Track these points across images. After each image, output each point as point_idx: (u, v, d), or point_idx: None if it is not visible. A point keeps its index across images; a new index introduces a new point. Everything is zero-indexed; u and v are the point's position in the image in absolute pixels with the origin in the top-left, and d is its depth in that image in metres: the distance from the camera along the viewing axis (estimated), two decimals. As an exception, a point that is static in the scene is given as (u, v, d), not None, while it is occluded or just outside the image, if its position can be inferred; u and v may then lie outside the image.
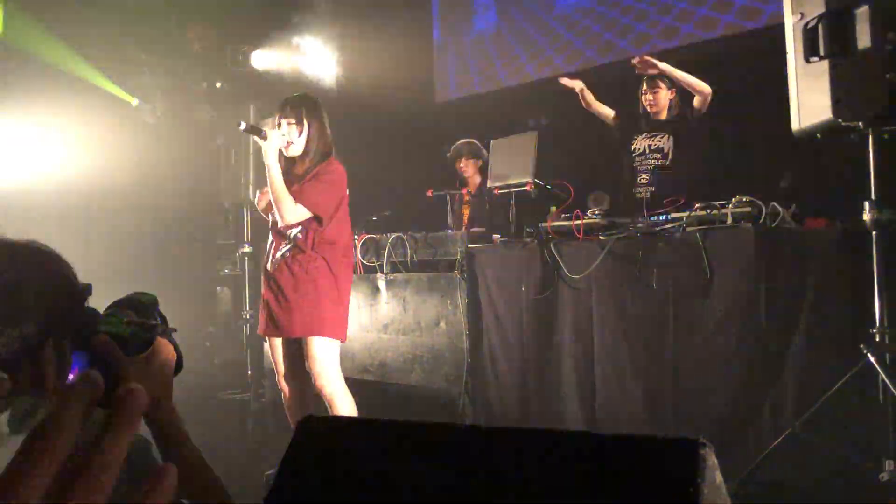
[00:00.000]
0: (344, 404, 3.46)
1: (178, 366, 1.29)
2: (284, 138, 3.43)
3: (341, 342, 3.52)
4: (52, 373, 1.08)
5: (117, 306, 1.30)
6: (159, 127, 7.31)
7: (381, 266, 4.97)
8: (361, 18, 7.54)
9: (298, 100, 3.51)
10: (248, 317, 5.98)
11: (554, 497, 0.80)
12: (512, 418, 4.23)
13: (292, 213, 3.37)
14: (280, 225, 3.43)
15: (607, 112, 4.91)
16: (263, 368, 5.84)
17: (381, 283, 4.97)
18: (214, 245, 7.40)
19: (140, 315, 1.30)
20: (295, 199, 3.37)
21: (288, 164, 3.49)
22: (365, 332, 5.06)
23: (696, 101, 4.59)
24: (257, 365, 5.85)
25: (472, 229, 4.94)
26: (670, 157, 4.64)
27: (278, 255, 3.49)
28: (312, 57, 7.78)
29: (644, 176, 4.68)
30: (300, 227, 3.44)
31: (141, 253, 7.18)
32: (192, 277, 7.45)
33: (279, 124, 3.47)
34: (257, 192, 3.78)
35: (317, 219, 3.41)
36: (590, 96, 4.91)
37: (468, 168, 5.66)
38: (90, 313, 1.18)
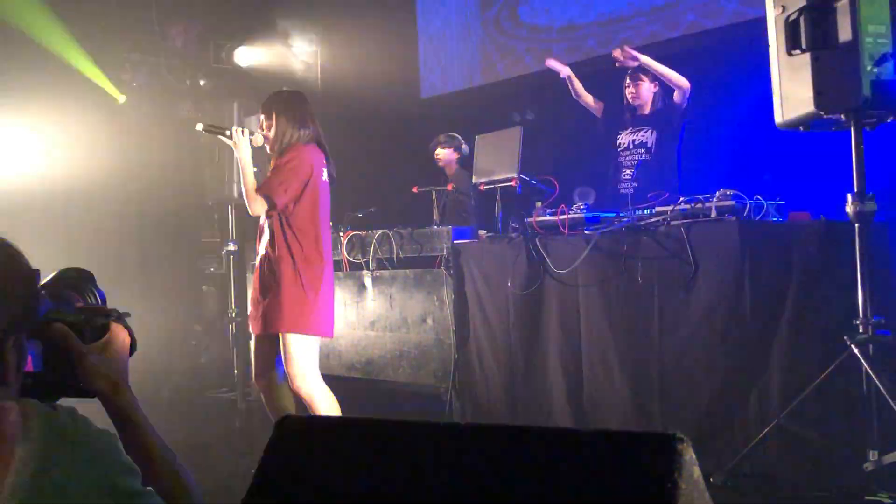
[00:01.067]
0: (323, 403, 3.43)
1: (132, 349, 1.29)
2: (245, 135, 3.54)
3: (327, 337, 3.55)
4: (12, 366, 1.09)
5: (54, 286, 1.31)
6: (142, 124, 7.25)
7: (366, 263, 4.96)
8: (345, 14, 7.51)
9: (270, 96, 3.60)
10: (234, 315, 5.95)
11: (532, 494, 0.80)
12: (499, 413, 4.24)
13: (255, 201, 3.43)
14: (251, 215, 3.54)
15: (593, 102, 4.91)
16: (250, 367, 5.82)
17: (368, 280, 4.96)
18: (199, 243, 7.36)
19: (79, 293, 1.31)
20: (259, 188, 3.45)
21: (269, 159, 3.59)
22: (352, 329, 5.05)
23: (676, 96, 4.61)
24: (244, 363, 5.82)
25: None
26: (654, 151, 4.65)
27: (259, 252, 3.57)
28: (296, 53, 7.75)
29: (628, 171, 4.69)
30: (268, 222, 3.49)
31: (125, 252, 7.13)
32: (177, 276, 7.41)
33: (260, 123, 3.58)
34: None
35: (271, 204, 3.42)
36: (578, 84, 4.91)
37: (443, 156, 5.69)
38: (42, 299, 1.19)
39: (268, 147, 3.54)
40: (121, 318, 1.30)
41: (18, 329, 1.09)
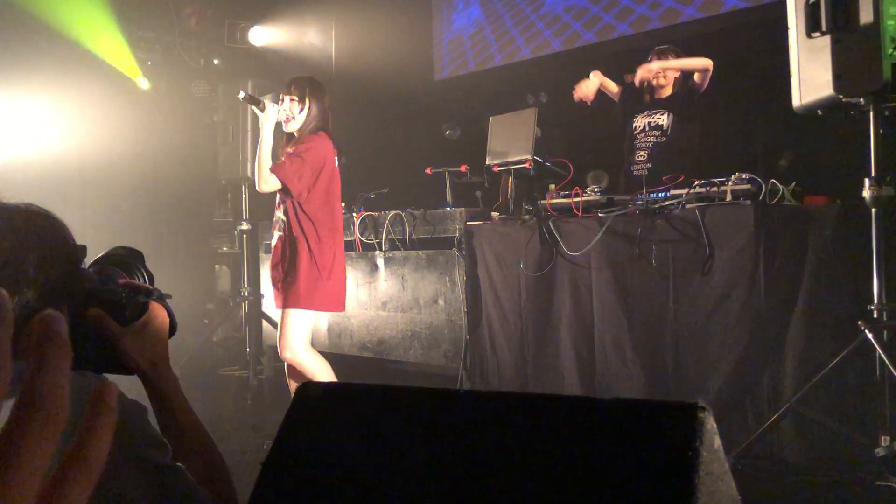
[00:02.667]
0: (318, 369, 3.59)
1: (172, 329, 1.29)
2: (284, 112, 3.62)
3: (339, 311, 3.79)
4: None
5: (103, 264, 1.30)
6: (156, 103, 7.26)
7: (379, 244, 4.96)
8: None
9: (304, 80, 3.68)
10: (246, 294, 5.97)
11: (552, 460, 0.80)
12: (510, 395, 4.24)
13: (265, 181, 3.56)
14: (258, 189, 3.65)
15: (614, 88, 4.82)
16: (263, 345, 5.85)
17: (380, 261, 4.96)
18: (212, 222, 7.38)
19: (126, 271, 1.30)
20: (273, 169, 3.55)
21: (287, 139, 3.70)
22: (363, 309, 5.06)
23: (697, 77, 4.52)
24: (256, 342, 5.86)
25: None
26: (669, 133, 4.57)
27: (275, 235, 3.73)
28: (310, 33, 7.72)
29: (642, 153, 4.62)
30: (283, 208, 3.63)
31: (138, 230, 7.16)
32: (190, 255, 7.44)
33: (282, 100, 3.64)
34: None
35: (286, 191, 3.56)
36: (608, 82, 4.80)
37: None
38: (87, 274, 1.18)
39: (287, 125, 3.64)
40: (161, 297, 1.29)
41: (59, 300, 1.08)
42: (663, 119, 4.58)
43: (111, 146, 6.76)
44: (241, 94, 3.70)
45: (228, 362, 6.19)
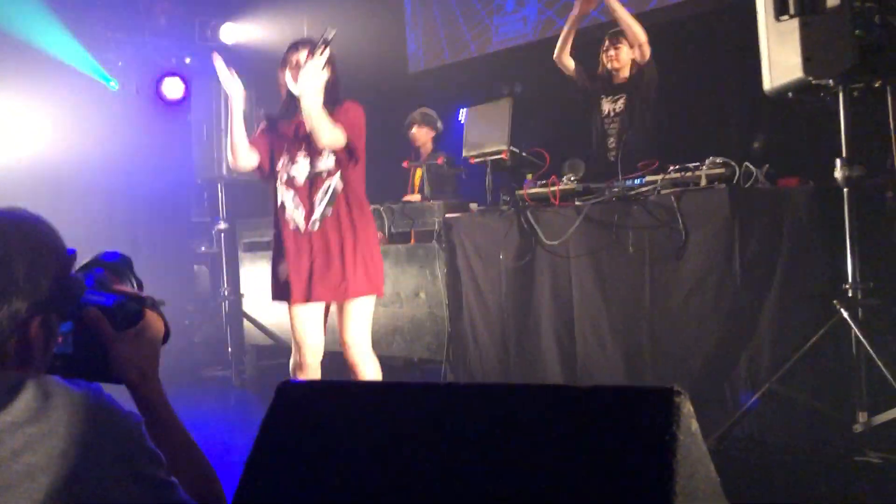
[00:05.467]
0: (371, 368, 3.37)
1: (166, 337, 1.28)
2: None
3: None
4: (39, 348, 1.06)
5: (94, 269, 1.28)
6: (128, 104, 7.19)
7: (358, 238, 4.94)
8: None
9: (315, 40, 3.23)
10: (226, 293, 5.95)
11: (533, 449, 0.81)
12: (493, 385, 4.27)
13: (329, 133, 3.10)
14: (318, 145, 3.17)
15: (571, 65, 4.83)
16: (244, 346, 5.83)
17: (360, 256, 4.95)
18: (189, 223, 7.34)
19: (118, 277, 1.28)
20: (341, 119, 3.17)
21: (288, 100, 3.33)
22: (345, 304, 5.05)
23: (636, 53, 4.56)
24: (238, 342, 5.83)
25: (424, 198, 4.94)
26: (630, 118, 4.63)
27: (317, 212, 3.24)
28: (283, 29, 7.67)
29: (612, 139, 4.69)
30: (337, 175, 3.23)
31: (114, 233, 7.09)
32: (168, 256, 7.39)
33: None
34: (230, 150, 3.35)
35: (349, 151, 3.20)
36: (569, 33, 4.73)
37: (420, 135, 5.67)
38: (77, 282, 1.16)
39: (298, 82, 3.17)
40: (155, 305, 1.26)
41: (47, 308, 1.06)
42: (623, 104, 4.64)
43: (84, 150, 6.70)
44: (332, 34, 3.04)
45: (210, 363, 6.17)
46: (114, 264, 1.32)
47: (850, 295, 3.03)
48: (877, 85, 3.12)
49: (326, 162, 3.25)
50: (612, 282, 3.73)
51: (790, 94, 3.22)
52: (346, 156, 3.24)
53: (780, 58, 3.09)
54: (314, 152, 3.24)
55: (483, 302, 4.33)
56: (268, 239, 5.66)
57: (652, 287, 3.58)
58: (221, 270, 6.07)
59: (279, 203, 3.32)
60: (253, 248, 5.80)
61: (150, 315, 1.25)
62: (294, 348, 3.43)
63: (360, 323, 3.28)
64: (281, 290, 3.35)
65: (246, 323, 5.78)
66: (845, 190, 3.07)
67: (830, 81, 3.06)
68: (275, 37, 7.58)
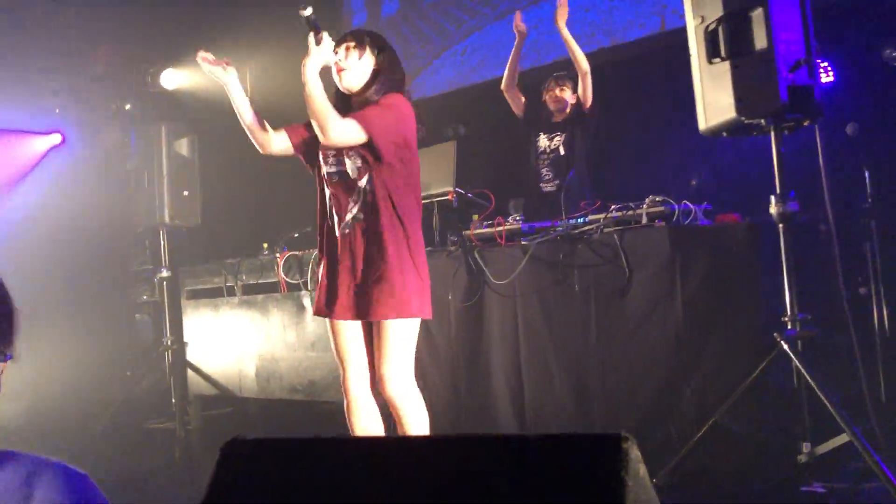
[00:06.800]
0: (420, 408, 2.90)
1: None
2: (335, 57, 2.87)
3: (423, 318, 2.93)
4: None
5: None
6: (66, 151, 7.05)
7: (305, 283, 4.91)
8: (273, 34, 7.44)
9: (363, 31, 2.98)
10: (169, 343, 5.82)
11: (485, 502, 0.81)
12: (444, 427, 4.22)
13: (337, 126, 2.74)
14: (323, 142, 2.83)
15: (522, 99, 4.96)
16: (188, 396, 5.69)
17: (307, 301, 4.91)
18: (131, 271, 7.18)
19: None
20: (358, 117, 2.79)
21: (337, 101, 2.90)
22: (292, 351, 4.99)
23: (579, 90, 4.73)
24: (182, 392, 5.69)
25: None
26: (568, 155, 4.78)
27: (348, 216, 2.91)
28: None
29: (547, 172, 4.83)
30: (367, 177, 2.85)
31: (53, 283, 6.90)
32: (109, 305, 7.21)
33: (335, 52, 2.89)
34: (275, 133, 3.04)
35: (370, 147, 2.79)
36: (515, 58, 4.84)
37: None
38: None
39: (341, 78, 2.91)
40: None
41: None
42: (563, 141, 4.79)
43: (21, 196, 6.53)
44: (308, 11, 2.76)
45: (154, 415, 5.99)
46: None
47: (789, 327, 3.11)
48: (806, 124, 3.24)
49: (355, 162, 2.87)
50: (559, 320, 3.77)
51: (725, 134, 3.32)
52: (371, 156, 2.83)
53: (714, 99, 3.19)
54: (342, 151, 2.88)
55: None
56: (210, 286, 5.60)
57: (598, 324, 3.62)
58: (164, 319, 5.94)
59: (320, 200, 3.05)
60: (196, 295, 5.70)
61: None
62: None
63: (389, 351, 2.81)
64: (315, 300, 3.03)
65: (190, 372, 5.65)
66: (780, 225, 3.17)
67: (762, 121, 3.17)
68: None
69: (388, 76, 2.90)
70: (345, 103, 2.91)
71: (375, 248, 2.83)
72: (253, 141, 3.00)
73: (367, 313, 2.82)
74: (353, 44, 2.89)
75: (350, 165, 2.88)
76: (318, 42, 2.78)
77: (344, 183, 2.90)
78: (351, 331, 2.93)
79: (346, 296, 2.87)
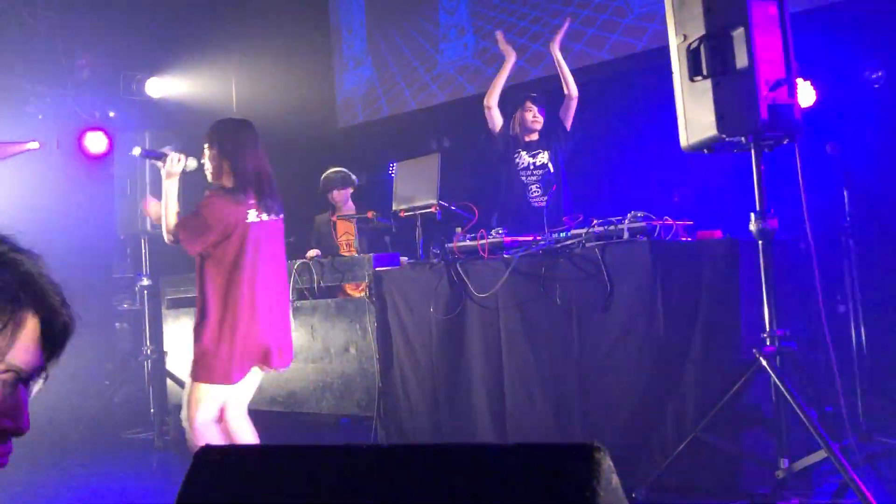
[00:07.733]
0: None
1: None
2: (181, 164, 3.43)
3: (223, 384, 3.42)
4: None
5: None
6: (50, 158, 7.00)
7: (287, 293, 4.88)
8: (260, 44, 7.46)
9: (211, 125, 3.48)
10: (149, 352, 5.77)
11: (455, 511, 0.80)
12: (423, 439, 4.22)
13: (166, 234, 3.44)
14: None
15: (501, 119, 5.02)
16: (167, 406, 5.64)
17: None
18: (111, 279, 7.13)
19: None
20: (176, 223, 3.41)
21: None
22: (273, 361, 4.95)
23: (561, 111, 4.86)
24: (161, 402, 5.64)
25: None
26: (552, 171, 4.86)
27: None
28: (209, 83, 7.64)
29: (536, 188, 4.88)
30: (196, 263, 3.46)
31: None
32: (89, 313, 7.13)
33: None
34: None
35: (183, 248, 3.42)
36: (502, 79, 4.98)
37: (341, 197, 5.70)
38: None
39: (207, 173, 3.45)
40: None
41: None
42: (544, 157, 4.86)
43: (2, 203, 6.47)
44: (138, 150, 3.50)
45: (132, 425, 5.94)
46: None
47: (767, 343, 3.13)
48: (785, 142, 3.27)
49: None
50: (541, 333, 3.77)
51: (706, 151, 3.35)
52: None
53: (695, 116, 3.22)
54: None
55: (413, 355, 4.31)
56: (191, 296, 5.56)
57: (579, 338, 3.63)
58: (144, 328, 5.89)
59: None
60: (177, 304, 5.66)
61: None
62: None
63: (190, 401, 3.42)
64: None
65: (169, 382, 5.60)
66: (760, 242, 3.19)
67: (742, 139, 3.20)
68: (201, 91, 7.54)
69: (214, 169, 3.38)
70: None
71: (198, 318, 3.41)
72: (165, 232, 3.48)
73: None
74: (205, 144, 3.39)
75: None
76: (164, 164, 3.38)
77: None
78: None
79: None
